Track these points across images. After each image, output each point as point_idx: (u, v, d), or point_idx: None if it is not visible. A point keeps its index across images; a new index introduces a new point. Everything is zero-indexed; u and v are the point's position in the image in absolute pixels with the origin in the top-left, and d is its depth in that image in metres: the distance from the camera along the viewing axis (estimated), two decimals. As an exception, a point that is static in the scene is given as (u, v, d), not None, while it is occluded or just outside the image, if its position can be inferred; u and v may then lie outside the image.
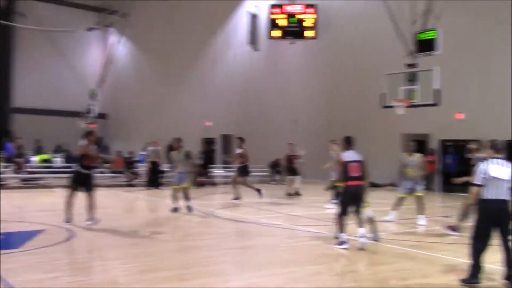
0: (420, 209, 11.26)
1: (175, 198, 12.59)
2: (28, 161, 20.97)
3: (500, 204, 6.05)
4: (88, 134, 10.60)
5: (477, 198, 6.15)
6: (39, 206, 13.78)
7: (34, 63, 41.02)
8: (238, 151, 15.03)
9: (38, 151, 26.19)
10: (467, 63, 19.61)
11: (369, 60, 22.61)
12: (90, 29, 37.99)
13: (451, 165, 19.98)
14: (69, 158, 24.62)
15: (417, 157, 11.49)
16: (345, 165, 8.28)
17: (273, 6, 24.39)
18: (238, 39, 30.28)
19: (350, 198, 8.24)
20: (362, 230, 8.17)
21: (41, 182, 18.75)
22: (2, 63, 41.05)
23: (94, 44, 43.13)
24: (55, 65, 38.69)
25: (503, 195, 6.04)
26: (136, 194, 17.34)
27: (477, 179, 6.14)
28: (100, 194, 15.85)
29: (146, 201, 16.10)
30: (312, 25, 24.06)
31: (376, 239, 8.76)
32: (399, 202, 11.45)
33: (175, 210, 12.38)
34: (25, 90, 41.32)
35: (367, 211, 8.66)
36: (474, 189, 6.18)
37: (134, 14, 34.99)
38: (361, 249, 7.98)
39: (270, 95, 28.10)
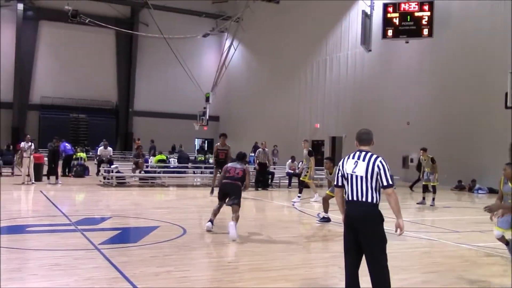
0: None
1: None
2: (146, 161, 22.27)
3: (358, 207, 4.78)
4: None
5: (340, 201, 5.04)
6: (155, 204, 14.50)
7: (154, 69, 43.77)
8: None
9: (151, 152, 27.68)
10: None
11: (490, 58, 21.20)
12: (206, 35, 39.55)
13: None
14: (182, 159, 25.74)
15: None
16: None
17: (388, 5, 23.71)
18: (350, 40, 29.87)
19: None
20: None
21: (157, 181, 19.74)
22: (126, 69, 44.22)
23: (209, 49, 45.06)
24: (172, 70, 40.88)
25: (362, 196, 4.75)
26: (245, 195, 17.64)
27: (336, 178, 5.07)
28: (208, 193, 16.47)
29: (254, 201, 16.33)
30: (428, 23, 23.03)
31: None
32: None
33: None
34: (145, 95, 44.13)
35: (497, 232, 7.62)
36: (334, 191, 5.21)
37: (247, 19, 35.78)
38: None
39: (382, 96, 27.35)
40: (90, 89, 41.99)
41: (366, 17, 23.44)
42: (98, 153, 22.92)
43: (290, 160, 20.79)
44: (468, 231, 8.69)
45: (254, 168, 19.73)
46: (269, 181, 20.21)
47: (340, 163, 5.04)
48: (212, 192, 15.47)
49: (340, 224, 10.32)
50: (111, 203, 14.29)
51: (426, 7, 23.13)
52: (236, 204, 9.02)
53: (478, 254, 8.17)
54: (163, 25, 31.07)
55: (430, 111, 24.35)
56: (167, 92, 43.52)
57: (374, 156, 4.82)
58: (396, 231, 4.83)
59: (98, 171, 21.26)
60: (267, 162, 19.71)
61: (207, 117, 35.05)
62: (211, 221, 9.34)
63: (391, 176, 4.83)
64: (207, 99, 35.40)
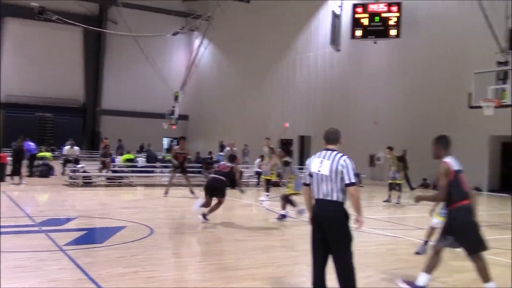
0: None
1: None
2: (113, 161, 21.99)
3: (324, 205, 4.85)
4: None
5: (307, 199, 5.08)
6: (122, 203, 14.34)
7: (123, 67, 43.21)
8: None
9: (119, 152, 27.37)
10: None
11: (456, 59, 21.67)
12: (175, 33, 39.22)
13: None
14: (150, 158, 25.52)
15: None
16: (455, 176, 5.71)
17: (356, 5, 23.99)
18: (319, 40, 30.11)
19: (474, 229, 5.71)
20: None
21: (125, 180, 19.53)
22: (94, 68, 43.58)
23: (179, 47, 44.74)
24: (141, 69, 40.46)
25: (328, 194, 4.80)
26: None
27: (303, 177, 5.12)
28: (179, 193, 16.35)
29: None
30: (396, 24, 23.40)
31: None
32: None
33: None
34: (113, 93, 43.56)
35: (435, 220, 8.06)
36: (301, 189, 5.20)
37: (218, 18, 35.67)
38: None
39: (351, 96, 27.67)
40: (57, 88, 41.16)
41: (336, 17, 23.65)
42: (64, 153, 22.53)
43: (259, 159, 20.82)
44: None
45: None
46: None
47: (308, 161, 5.08)
48: (166, 192, 15.25)
49: (307, 222, 10.34)
50: (77, 203, 14.07)
51: (394, 8, 23.48)
52: (220, 197, 10.54)
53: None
54: (132, 23, 30.80)
55: (398, 111, 24.76)
56: (136, 90, 43.04)
57: (339, 155, 4.86)
58: (356, 226, 4.89)
59: (64, 170, 20.90)
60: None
61: (176, 116, 34.80)
62: (203, 215, 10.30)
63: (356, 175, 4.88)
64: (176, 98, 35.15)
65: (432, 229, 8.05)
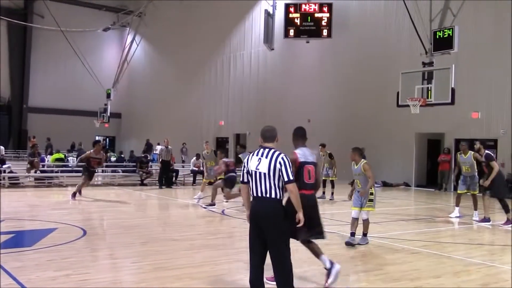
0: (475, 205, 12.00)
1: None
2: (43, 160, 21.14)
3: (262, 203, 4.90)
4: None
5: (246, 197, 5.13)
6: (53, 205, 13.83)
7: (51, 63, 41.54)
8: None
9: (48, 151, 26.39)
10: (483, 62, 19.37)
11: (385, 59, 22.45)
12: (106, 29, 38.19)
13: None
14: (82, 157, 24.74)
15: (471, 155, 11.88)
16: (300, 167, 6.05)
17: (289, 5, 24.33)
18: (253, 38, 30.30)
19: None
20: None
21: (55, 181, 18.84)
22: (19, 63, 41.61)
23: (110, 44, 43.56)
24: (71, 65, 39.04)
25: (266, 192, 4.86)
26: (148, 193, 17.37)
27: (241, 175, 5.18)
28: (113, 193, 16.01)
29: (158, 200, 16.11)
30: (327, 24, 23.95)
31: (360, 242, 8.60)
32: (459, 198, 12.26)
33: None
34: (41, 90, 41.79)
35: (363, 213, 8.59)
36: (240, 187, 5.22)
37: (150, 14, 35.10)
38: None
39: (285, 94, 28.04)
40: (-21, 84, 39.06)
41: (269, 16, 23.84)
42: (-12, 152, 21.40)
43: (194, 158, 20.71)
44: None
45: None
46: (173, 179, 20.02)
47: (245, 160, 5.11)
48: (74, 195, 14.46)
49: (244, 220, 10.38)
50: (3, 205, 13.39)
51: (325, 9, 24.02)
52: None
53: (373, 244, 8.63)
54: (60, 17, 29.58)
55: (330, 109, 25.36)
56: (65, 87, 41.51)
57: (277, 152, 4.92)
58: (297, 225, 4.97)
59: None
60: (170, 160, 19.50)
61: (108, 114, 33.93)
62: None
63: (292, 172, 4.95)
64: (108, 96, 34.25)
65: (354, 220, 8.61)
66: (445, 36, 15.53)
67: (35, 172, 19.01)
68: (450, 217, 12.42)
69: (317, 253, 6.16)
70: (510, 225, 10.93)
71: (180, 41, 36.08)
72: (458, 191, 12.24)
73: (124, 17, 38.38)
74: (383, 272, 6.85)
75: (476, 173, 11.95)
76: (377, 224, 10.45)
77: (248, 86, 30.72)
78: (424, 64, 16.10)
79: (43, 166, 20.69)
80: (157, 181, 19.70)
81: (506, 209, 11.11)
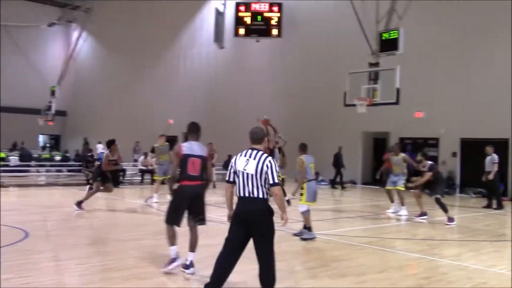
0: (402, 201, 12.52)
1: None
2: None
3: (249, 202, 5.06)
4: None
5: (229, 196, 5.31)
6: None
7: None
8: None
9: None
10: (426, 63, 20.04)
11: (333, 59, 22.82)
12: (51, 24, 37.05)
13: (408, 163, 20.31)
14: (24, 157, 23.93)
15: (401, 157, 12.65)
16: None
17: (239, 4, 24.34)
18: (203, 36, 30.12)
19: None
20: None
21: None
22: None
23: (55, 40, 42.07)
24: (12, 61, 37.54)
25: (253, 192, 5.03)
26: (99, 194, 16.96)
27: (227, 174, 5.31)
28: (57, 193, 15.56)
29: (104, 199, 15.77)
30: (277, 23, 24.11)
31: (302, 236, 8.94)
32: (389, 194, 12.83)
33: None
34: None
35: (301, 206, 8.96)
36: (226, 186, 5.34)
37: (97, 10, 34.34)
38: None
39: (235, 93, 28.04)
40: None
41: (219, 14, 23.82)
42: None
43: (142, 156, 20.41)
44: (312, 220, 9.34)
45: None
46: (120, 178, 19.66)
47: (233, 160, 5.25)
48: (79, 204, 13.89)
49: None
50: None
51: (275, 8, 24.17)
52: None
53: (321, 241, 8.78)
54: (1, 11, 28.52)
55: (280, 108, 25.50)
56: (6, 84, 39.79)
57: (265, 155, 5.12)
58: (282, 223, 5.19)
59: None
60: (117, 159, 19.06)
61: (53, 112, 32.96)
62: None
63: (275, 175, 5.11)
64: (53, 93, 33.33)
65: (303, 214, 8.99)
66: (390, 37, 15.98)
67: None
68: (387, 213, 12.79)
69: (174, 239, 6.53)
70: (423, 217, 11.75)
71: (129, 38, 35.41)
72: (386, 187, 12.98)
73: (70, 12, 37.35)
74: (330, 268, 6.98)
75: (405, 173, 12.72)
76: (323, 221, 10.62)
77: (198, 84, 30.53)
78: (370, 64, 16.49)
79: (-17, 165, 19.88)
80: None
81: (444, 208, 11.34)
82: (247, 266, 5.60)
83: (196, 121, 6.71)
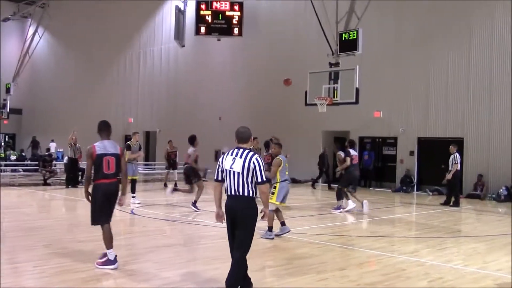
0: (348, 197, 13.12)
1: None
2: None
3: (236, 200, 5.21)
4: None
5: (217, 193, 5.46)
6: None
7: None
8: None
9: None
10: (384, 63, 20.44)
11: (294, 59, 22.97)
12: (5, 19, 35.93)
13: (367, 161, 20.74)
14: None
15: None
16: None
17: (200, 2, 24.22)
18: (163, 34, 29.86)
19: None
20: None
21: None
22: None
23: (10, 35, 40.77)
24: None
25: (239, 190, 5.20)
26: (52, 193, 16.60)
27: (215, 173, 5.44)
28: (13, 194, 15.13)
29: (63, 200, 15.44)
30: (238, 22, 24.13)
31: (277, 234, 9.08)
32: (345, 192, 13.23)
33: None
34: None
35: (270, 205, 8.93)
36: (214, 184, 5.46)
37: (54, 5, 33.50)
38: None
39: (196, 92, 27.92)
40: None
41: (180, 12, 23.65)
42: None
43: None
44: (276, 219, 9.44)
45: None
46: (80, 177, 19.25)
47: (220, 159, 5.40)
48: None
49: (155, 219, 10.26)
50: None
51: (236, 7, 24.18)
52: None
53: (282, 239, 8.85)
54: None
55: (242, 107, 25.57)
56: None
57: (251, 153, 5.26)
58: (262, 217, 5.37)
59: None
60: (77, 158, 18.73)
61: (8, 110, 32.00)
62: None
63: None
64: (8, 90, 32.34)
65: (273, 213, 8.98)
66: (350, 38, 16.21)
67: None
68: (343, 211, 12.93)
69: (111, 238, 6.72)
70: (339, 211, 12.72)
71: (87, 35, 34.74)
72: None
73: (25, 7, 36.32)
74: (291, 266, 7.04)
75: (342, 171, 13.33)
76: (286, 220, 10.69)
77: (159, 83, 30.24)
78: (330, 64, 16.69)
79: None
80: (62, 181, 18.89)
81: (338, 197, 12.92)
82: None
83: (106, 120, 6.96)
